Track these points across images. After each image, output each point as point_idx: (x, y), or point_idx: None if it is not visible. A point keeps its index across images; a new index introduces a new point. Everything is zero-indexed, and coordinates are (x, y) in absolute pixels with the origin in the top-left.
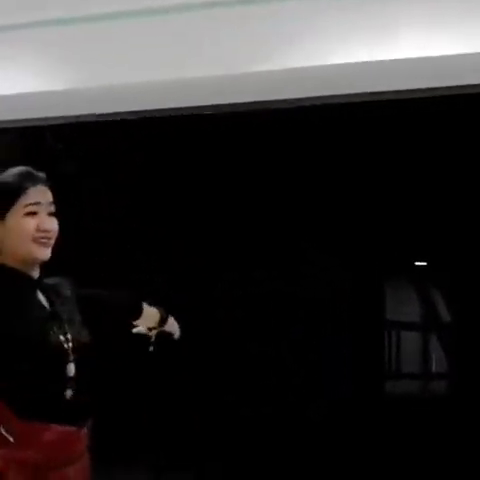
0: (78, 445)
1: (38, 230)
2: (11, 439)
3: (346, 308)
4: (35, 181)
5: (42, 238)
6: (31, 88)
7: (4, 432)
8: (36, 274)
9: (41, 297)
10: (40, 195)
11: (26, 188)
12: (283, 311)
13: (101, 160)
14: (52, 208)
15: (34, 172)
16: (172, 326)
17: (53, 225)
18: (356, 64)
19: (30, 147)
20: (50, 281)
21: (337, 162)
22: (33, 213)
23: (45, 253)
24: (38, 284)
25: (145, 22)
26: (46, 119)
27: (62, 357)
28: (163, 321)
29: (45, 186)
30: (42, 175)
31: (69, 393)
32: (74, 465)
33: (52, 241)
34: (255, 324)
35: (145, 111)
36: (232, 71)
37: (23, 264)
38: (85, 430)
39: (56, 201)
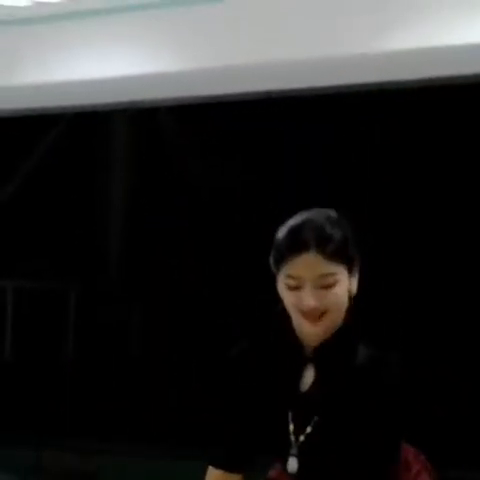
0: None
1: (299, 309)
2: None
3: None
4: (297, 248)
5: (308, 316)
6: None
7: None
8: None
9: (308, 374)
10: (299, 268)
11: (289, 257)
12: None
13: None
14: (330, 280)
15: (310, 232)
16: None
17: (322, 301)
18: None
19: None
20: (340, 356)
21: None
22: (291, 288)
23: (315, 330)
24: (311, 359)
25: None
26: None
27: (286, 450)
28: None
29: (317, 249)
30: (314, 232)
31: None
32: None
33: (323, 321)
34: None
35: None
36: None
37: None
38: None
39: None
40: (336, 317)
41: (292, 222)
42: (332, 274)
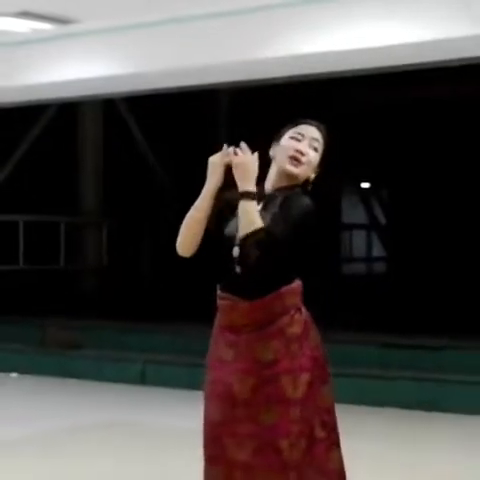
0: (246, 314)
1: (294, 149)
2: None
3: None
4: (308, 123)
5: (295, 157)
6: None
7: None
8: (271, 188)
9: (260, 205)
10: (306, 130)
11: (298, 124)
12: None
13: None
14: (316, 144)
15: (311, 121)
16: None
17: (307, 151)
18: None
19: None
20: (281, 194)
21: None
22: (296, 139)
23: (292, 168)
24: (265, 196)
25: None
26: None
27: (231, 242)
28: None
29: (316, 129)
30: (317, 123)
31: (238, 269)
32: (253, 333)
33: (303, 164)
34: None
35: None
36: None
37: (282, 177)
38: (257, 304)
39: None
40: (302, 171)
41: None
42: (319, 142)
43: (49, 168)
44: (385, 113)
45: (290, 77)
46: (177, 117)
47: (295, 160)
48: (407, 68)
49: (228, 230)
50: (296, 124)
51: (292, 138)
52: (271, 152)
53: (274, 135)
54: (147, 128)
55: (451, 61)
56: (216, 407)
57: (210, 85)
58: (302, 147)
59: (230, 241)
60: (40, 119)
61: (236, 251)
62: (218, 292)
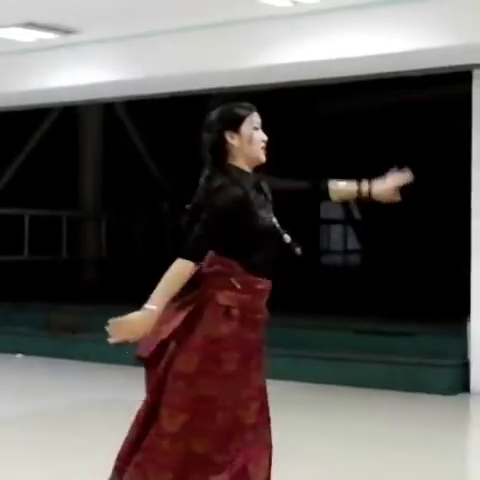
0: (268, 295)
1: (262, 141)
2: (238, 286)
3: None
4: (254, 109)
5: (263, 147)
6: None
7: (234, 281)
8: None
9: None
10: (257, 118)
11: (252, 110)
12: None
13: None
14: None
15: (252, 105)
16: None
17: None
18: None
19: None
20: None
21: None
22: (257, 129)
23: (264, 158)
24: (252, 179)
25: None
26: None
27: (276, 232)
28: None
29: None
30: (255, 107)
31: (297, 251)
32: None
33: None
34: None
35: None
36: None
37: (248, 165)
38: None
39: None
40: None
41: (237, 103)
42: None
43: (52, 166)
44: (359, 118)
45: (277, 84)
46: (170, 118)
47: (264, 149)
48: (383, 76)
49: (264, 221)
50: (248, 111)
51: (255, 128)
52: (229, 139)
53: (226, 123)
54: (144, 129)
55: (427, 70)
56: (244, 386)
57: (202, 91)
58: (264, 136)
59: (275, 230)
60: (44, 121)
61: (287, 238)
62: (251, 276)
